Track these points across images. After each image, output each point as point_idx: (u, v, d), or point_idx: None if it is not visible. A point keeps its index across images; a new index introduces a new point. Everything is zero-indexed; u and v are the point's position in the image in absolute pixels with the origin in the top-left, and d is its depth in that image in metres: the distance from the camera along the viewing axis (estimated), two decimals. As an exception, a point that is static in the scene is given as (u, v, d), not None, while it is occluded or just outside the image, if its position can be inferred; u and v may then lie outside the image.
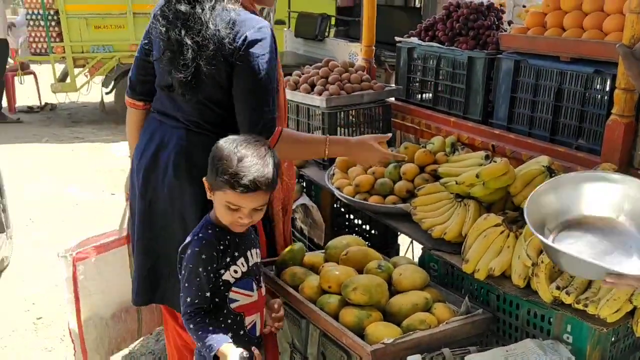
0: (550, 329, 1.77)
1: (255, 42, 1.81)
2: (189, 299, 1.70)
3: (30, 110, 9.40)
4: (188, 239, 1.75)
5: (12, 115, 8.83)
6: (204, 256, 1.69)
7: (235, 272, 1.77)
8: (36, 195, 5.51)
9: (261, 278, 1.89)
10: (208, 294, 1.71)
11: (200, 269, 1.69)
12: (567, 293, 1.66)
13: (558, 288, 1.68)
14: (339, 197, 2.63)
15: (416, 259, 2.35)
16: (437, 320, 1.83)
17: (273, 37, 1.87)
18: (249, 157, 1.64)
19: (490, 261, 1.91)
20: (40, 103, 9.53)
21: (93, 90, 8.77)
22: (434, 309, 1.90)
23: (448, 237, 2.12)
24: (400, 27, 5.58)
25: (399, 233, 2.52)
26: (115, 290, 2.43)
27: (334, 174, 2.78)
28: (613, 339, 1.74)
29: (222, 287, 1.75)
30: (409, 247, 3.13)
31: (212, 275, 1.71)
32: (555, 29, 2.53)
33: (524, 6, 3.33)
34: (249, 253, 1.82)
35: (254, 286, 1.82)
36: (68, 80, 8.50)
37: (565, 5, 2.54)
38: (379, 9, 3.54)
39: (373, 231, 3.07)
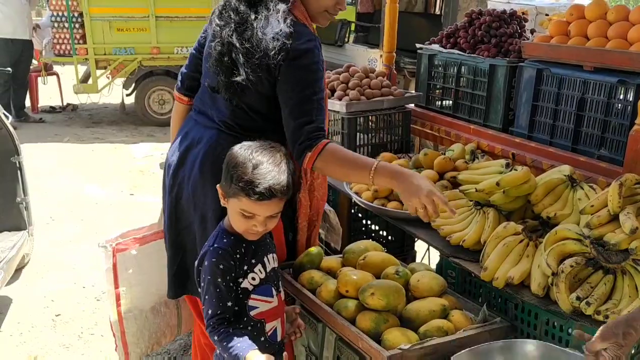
0: (570, 339, 1.76)
1: (301, 54, 1.82)
2: (210, 311, 1.68)
3: (52, 110, 9.53)
4: (204, 249, 1.74)
5: (35, 115, 8.96)
6: (221, 266, 1.68)
7: (254, 279, 1.76)
8: (57, 194, 5.58)
9: (279, 283, 1.89)
10: (230, 304, 1.69)
11: (219, 280, 1.67)
12: (588, 304, 1.64)
13: (578, 299, 1.67)
14: (357, 202, 2.63)
15: (433, 266, 2.35)
16: (454, 328, 1.82)
17: (320, 49, 1.89)
18: (264, 164, 1.63)
19: (509, 270, 1.90)
20: (63, 103, 9.66)
21: (114, 92, 8.88)
22: (451, 316, 1.89)
23: (466, 245, 2.11)
24: (420, 34, 5.57)
25: (416, 239, 2.52)
26: (155, 282, 2.40)
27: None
28: (633, 351, 1.71)
29: (241, 295, 1.74)
30: (426, 254, 3.12)
31: (231, 284, 1.70)
32: (579, 37, 2.51)
33: (547, 14, 3.31)
34: (265, 259, 1.81)
35: (273, 292, 1.82)
36: (90, 81, 8.62)
37: (589, 14, 2.53)
38: (399, 15, 3.54)
39: (390, 237, 3.07)
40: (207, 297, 1.69)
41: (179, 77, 2.22)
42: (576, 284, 1.74)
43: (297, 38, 1.82)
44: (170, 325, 2.56)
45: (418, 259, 3.15)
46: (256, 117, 1.95)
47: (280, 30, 1.80)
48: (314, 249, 2.21)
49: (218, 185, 1.73)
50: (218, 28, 1.87)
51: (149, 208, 4.83)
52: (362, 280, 1.95)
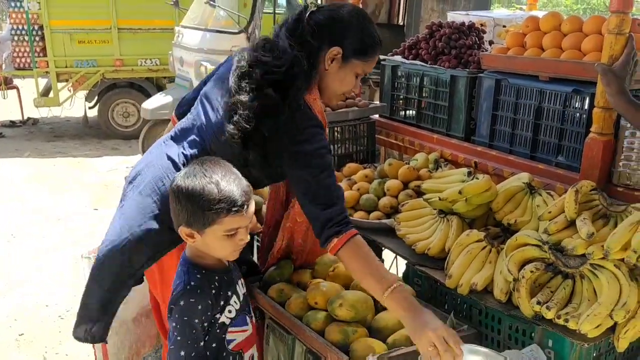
0: (532, 343, 1.80)
1: (301, 141, 1.75)
2: (183, 353, 1.58)
3: (12, 124, 9.33)
4: (178, 288, 1.63)
5: (-6, 129, 8.76)
6: (200, 307, 1.60)
7: (230, 312, 1.71)
8: (18, 210, 5.45)
9: (250, 307, 1.87)
10: (202, 343, 1.63)
11: (197, 321, 1.60)
12: (548, 308, 1.69)
13: (539, 303, 1.71)
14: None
15: (401, 274, 2.37)
16: (421, 336, 1.84)
17: (321, 130, 1.82)
18: (223, 179, 1.59)
19: (472, 276, 1.94)
20: (23, 117, 9.46)
21: (76, 105, 8.74)
22: (419, 324, 1.91)
23: (431, 253, 2.14)
24: (384, 44, 5.65)
25: (383, 248, 2.55)
26: (137, 293, 2.37)
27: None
28: (595, 354, 1.76)
29: (218, 331, 1.68)
30: (393, 262, 3.15)
31: (206, 323, 1.64)
32: (535, 49, 2.59)
33: (504, 26, 3.39)
34: (237, 287, 1.78)
35: (247, 320, 1.80)
36: (51, 94, 8.47)
37: (544, 26, 2.61)
38: (363, 27, 3.59)
39: (358, 247, 3.08)
40: (179, 337, 1.60)
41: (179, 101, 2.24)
42: (537, 289, 1.79)
43: (297, 124, 1.76)
44: (150, 336, 2.53)
45: (387, 267, 3.18)
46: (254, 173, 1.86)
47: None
48: (284, 262, 2.22)
49: (180, 228, 1.63)
50: (236, 77, 1.79)
51: (114, 223, 4.75)
52: (331, 292, 1.96)
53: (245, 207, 1.61)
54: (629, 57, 1.94)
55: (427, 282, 2.19)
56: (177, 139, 1.99)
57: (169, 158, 1.92)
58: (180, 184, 1.61)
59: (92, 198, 5.86)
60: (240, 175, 1.66)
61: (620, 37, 2.00)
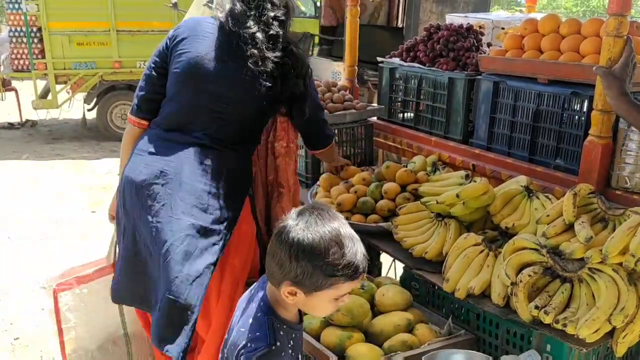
0: (530, 348, 1.78)
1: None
2: None
3: (11, 126, 9.31)
4: (261, 345, 1.38)
5: (-8, 131, 8.75)
6: None
7: None
8: (15, 212, 5.43)
9: None
10: None
11: None
12: (546, 312, 1.67)
13: (537, 307, 1.70)
14: (321, 216, 2.63)
15: (398, 277, 2.36)
16: (418, 342, 1.83)
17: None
18: (345, 239, 1.36)
19: (470, 280, 1.92)
20: (21, 120, 9.45)
21: (75, 107, 8.73)
22: (416, 329, 1.90)
23: (429, 256, 2.13)
24: (383, 46, 5.62)
25: (380, 252, 2.53)
26: (101, 321, 2.37)
27: (316, 193, 2.78)
28: (593, 359, 1.75)
29: None
30: (391, 265, 3.14)
31: None
32: (533, 51, 2.57)
33: (502, 28, 3.38)
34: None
35: None
36: (49, 97, 8.46)
37: (542, 28, 2.59)
38: (362, 28, 3.58)
39: (355, 250, 3.07)
40: None
41: (136, 101, 2.17)
42: (535, 293, 1.78)
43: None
44: None
45: (384, 270, 3.17)
46: (242, 128, 2.07)
47: None
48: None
49: (284, 283, 1.38)
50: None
51: (111, 226, 4.73)
52: (326, 296, 1.95)
53: (366, 271, 1.41)
54: (628, 60, 1.92)
55: (424, 286, 2.18)
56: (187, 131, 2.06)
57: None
58: (299, 237, 1.34)
59: (90, 200, 5.84)
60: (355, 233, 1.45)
61: (619, 39, 1.99)
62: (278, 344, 1.39)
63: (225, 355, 1.50)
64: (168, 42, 2.10)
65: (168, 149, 2.04)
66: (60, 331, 2.30)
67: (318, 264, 1.33)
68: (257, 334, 1.40)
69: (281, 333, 1.42)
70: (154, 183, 2.00)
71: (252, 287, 1.58)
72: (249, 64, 1.96)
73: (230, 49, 1.98)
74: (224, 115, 2.05)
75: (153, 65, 2.12)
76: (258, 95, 2.02)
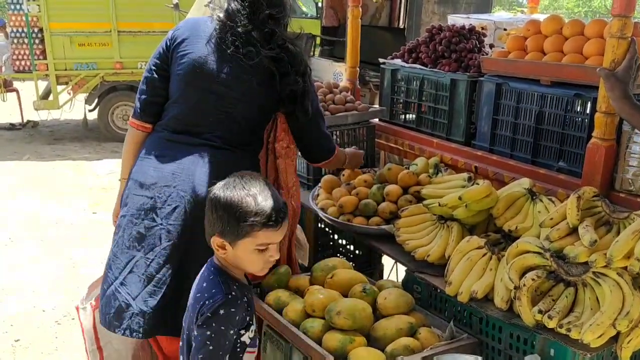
0: (534, 352, 1.77)
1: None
2: None
3: (12, 127, 9.31)
4: (216, 296, 1.57)
5: (-7, 132, 8.75)
6: (237, 318, 1.58)
7: (252, 331, 1.69)
8: (16, 213, 5.43)
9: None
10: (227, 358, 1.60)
11: (232, 332, 1.58)
12: (550, 317, 1.66)
13: (540, 312, 1.68)
14: (323, 217, 2.62)
15: (400, 280, 2.34)
16: (421, 346, 1.81)
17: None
18: (261, 193, 1.59)
19: (473, 284, 1.91)
20: (23, 120, 9.45)
21: (76, 108, 8.72)
22: (419, 333, 1.88)
23: (431, 259, 2.11)
24: (385, 47, 5.61)
25: (382, 254, 2.52)
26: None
27: (318, 195, 2.77)
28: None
29: (238, 349, 1.65)
30: (393, 267, 3.12)
31: (235, 337, 1.61)
32: (536, 52, 2.56)
33: (505, 29, 3.37)
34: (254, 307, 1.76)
35: (256, 341, 1.77)
36: (51, 97, 8.46)
37: (545, 30, 2.58)
38: (364, 29, 3.57)
39: (357, 251, 3.06)
40: (213, 348, 1.55)
41: (138, 105, 2.15)
42: (538, 297, 1.76)
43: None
44: None
45: (386, 272, 3.15)
46: (247, 128, 2.09)
47: None
48: (282, 268, 2.19)
49: (213, 237, 1.61)
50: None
51: (111, 227, 4.73)
52: (329, 300, 1.93)
53: (280, 223, 1.60)
54: (631, 62, 1.91)
55: (426, 289, 2.16)
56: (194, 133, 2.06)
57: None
58: (218, 194, 1.59)
59: (90, 202, 5.84)
60: (277, 193, 1.66)
61: (623, 41, 1.97)
62: (233, 293, 1.58)
63: (186, 329, 1.66)
64: (168, 43, 2.10)
65: (177, 151, 2.04)
66: (100, 349, 2.27)
67: (233, 212, 1.55)
68: (213, 290, 1.60)
69: (235, 287, 1.61)
70: (166, 185, 1.99)
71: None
72: (246, 61, 1.98)
73: (230, 48, 1.99)
74: (230, 115, 2.06)
75: (154, 67, 2.11)
76: (259, 94, 2.05)
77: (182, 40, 2.06)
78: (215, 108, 2.05)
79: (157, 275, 1.98)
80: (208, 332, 1.55)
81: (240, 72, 2.01)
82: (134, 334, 1.97)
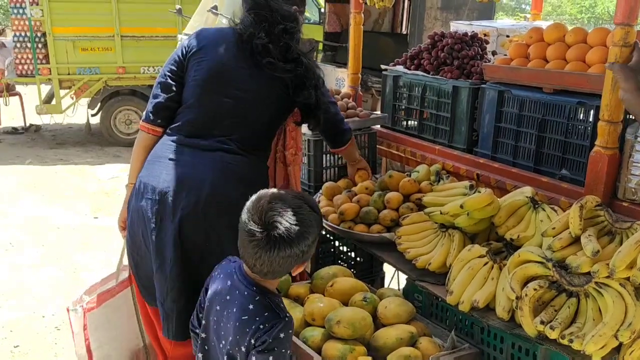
0: (536, 363, 1.75)
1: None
2: None
3: (14, 131, 9.32)
4: (275, 321, 1.54)
5: (-4, 136, 8.76)
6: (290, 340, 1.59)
7: None
8: (17, 218, 5.42)
9: None
10: None
11: (289, 352, 1.57)
12: (552, 328, 1.64)
13: (542, 322, 1.66)
14: (324, 224, 2.61)
15: (401, 289, 2.33)
16: (422, 355, 1.80)
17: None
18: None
19: (474, 293, 1.89)
20: (25, 124, 9.46)
21: (78, 112, 8.73)
22: (419, 343, 1.87)
23: (432, 268, 2.10)
24: (387, 53, 5.62)
25: (383, 262, 2.51)
26: (125, 336, 2.32)
27: (319, 201, 2.76)
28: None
29: None
30: (394, 275, 3.11)
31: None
32: (539, 60, 2.55)
33: (507, 36, 3.36)
34: None
35: None
36: (54, 101, 8.47)
37: (548, 37, 2.57)
38: (366, 35, 3.57)
39: (359, 258, 3.05)
40: None
41: (150, 109, 2.15)
42: (540, 307, 1.74)
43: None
44: None
45: (387, 279, 3.14)
46: (260, 133, 2.16)
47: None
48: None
49: (298, 264, 1.57)
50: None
51: (113, 232, 4.72)
52: (329, 308, 1.92)
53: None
54: None
55: (427, 298, 2.15)
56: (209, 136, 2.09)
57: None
58: (284, 214, 1.54)
59: (92, 206, 5.83)
60: None
61: (626, 49, 1.96)
62: (288, 314, 1.56)
63: (227, 344, 1.58)
64: (184, 51, 2.15)
65: (190, 154, 2.05)
66: (90, 353, 2.25)
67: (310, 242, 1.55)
68: (266, 314, 1.54)
69: (282, 304, 1.59)
70: (178, 189, 1.99)
71: (206, 282, 1.73)
72: (265, 71, 2.06)
73: (248, 57, 2.07)
74: (244, 120, 2.10)
75: (169, 73, 2.14)
76: (273, 103, 2.13)
77: (200, 48, 2.12)
78: (231, 112, 2.09)
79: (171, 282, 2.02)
80: (271, 357, 1.53)
81: (258, 78, 2.09)
82: None
